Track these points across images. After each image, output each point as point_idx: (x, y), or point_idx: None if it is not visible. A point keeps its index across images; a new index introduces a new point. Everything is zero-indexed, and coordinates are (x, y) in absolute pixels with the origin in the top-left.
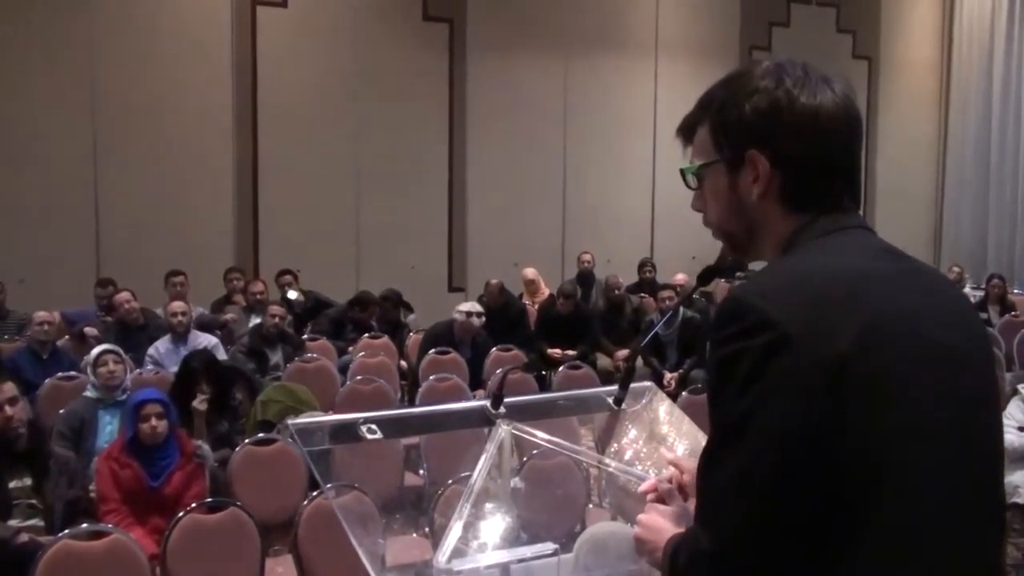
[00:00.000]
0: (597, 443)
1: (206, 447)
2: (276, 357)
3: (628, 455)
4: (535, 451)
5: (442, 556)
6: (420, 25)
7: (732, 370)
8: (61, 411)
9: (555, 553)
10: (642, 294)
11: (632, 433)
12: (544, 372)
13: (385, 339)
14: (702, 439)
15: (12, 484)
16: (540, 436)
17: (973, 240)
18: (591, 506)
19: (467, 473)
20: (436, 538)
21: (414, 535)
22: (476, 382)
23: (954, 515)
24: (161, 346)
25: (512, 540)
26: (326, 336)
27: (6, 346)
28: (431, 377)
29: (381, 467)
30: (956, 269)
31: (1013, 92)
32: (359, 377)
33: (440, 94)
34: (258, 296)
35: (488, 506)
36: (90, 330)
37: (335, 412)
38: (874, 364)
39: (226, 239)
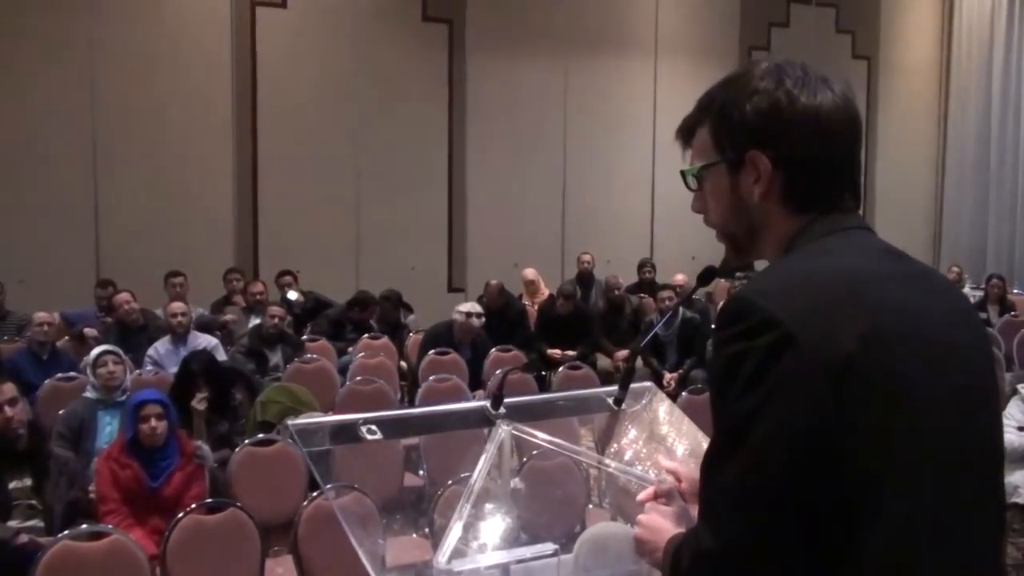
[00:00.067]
0: (597, 443)
1: (206, 448)
2: (276, 358)
3: (628, 455)
4: (535, 452)
5: (442, 556)
6: (420, 25)
7: (736, 370)
8: (61, 412)
9: (555, 554)
10: (642, 294)
11: (632, 433)
12: (544, 373)
13: (385, 340)
14: (702, 439)
15: (12, 485)
16: (540, 437)
17: (973, 240)
18: (591, 507)
19: (467, 474)
20: (436, 538)
21: (414, 535)
22: (476, 383)
23: (954, 515)
24: (161, 347)
25: (512, 541)
26: (326, 337)
27: (6, 347)
28: (431, 378)
29: (381, 468)
30: (956, 269)
31: (1013, 92)
32: (359, 378)
33: (440, 94)
34: (258, 297)
35: (488, 506)
36: (90, 331)
37: (335, 413)
38: (877, 364)
39: (226, 240)
